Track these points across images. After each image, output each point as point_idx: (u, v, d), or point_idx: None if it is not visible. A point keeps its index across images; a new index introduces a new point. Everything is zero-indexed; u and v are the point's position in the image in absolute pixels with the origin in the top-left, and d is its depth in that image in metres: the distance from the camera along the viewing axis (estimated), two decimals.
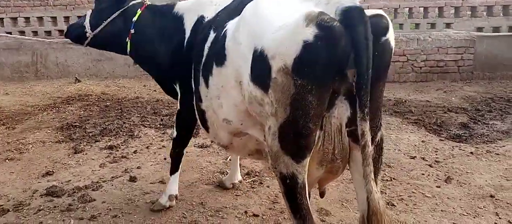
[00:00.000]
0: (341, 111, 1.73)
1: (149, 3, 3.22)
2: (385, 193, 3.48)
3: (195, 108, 2.49)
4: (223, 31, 2.11)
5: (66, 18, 9.52)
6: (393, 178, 3.76)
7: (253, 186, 3.63)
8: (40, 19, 9.57)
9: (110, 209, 3.26)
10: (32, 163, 4.23)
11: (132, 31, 3.07)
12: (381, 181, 3.72)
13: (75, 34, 3.32)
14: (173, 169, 3.29)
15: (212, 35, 2.29)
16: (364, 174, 1.66)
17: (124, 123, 5.56)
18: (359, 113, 1.63)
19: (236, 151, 2.49)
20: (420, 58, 8.16)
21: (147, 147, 4.64)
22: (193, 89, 2.50)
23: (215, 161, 4.23)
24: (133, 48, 3.12)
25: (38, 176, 3.90)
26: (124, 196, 3.48)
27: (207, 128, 2.42)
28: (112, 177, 3.85)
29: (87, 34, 3.20)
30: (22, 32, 9.30)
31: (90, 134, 5.13)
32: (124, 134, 5.10)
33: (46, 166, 4.14)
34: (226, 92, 2.03)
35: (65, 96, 7.29)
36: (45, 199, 3.42)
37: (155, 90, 7.65)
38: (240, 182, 3.63)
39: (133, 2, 3.20)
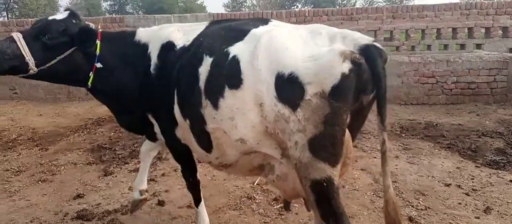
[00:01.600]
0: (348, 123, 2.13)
1: (98, 29, 2.89)
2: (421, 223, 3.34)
3: (192, 131, 2.48)
4: (230, 56, 2.27)
5: None
6: (428, 207, 3.60)
7: (281, 213, 3.57)
8: None
9: None
10: (64, 185, 4.31)
11: (99, 65, 2.79)
12: (412, 207, 3.60)
13: (9, 66, 2.56)
14: (197, 200, 3.21)
15: (208, 59, 2.36)
16: (384, 172, 2.10)
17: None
18: (380, 126, 2.07)
19: (238, 169, 2.57)
20: (450, 79, 7.95)
21: (175, 170, 4.66)
22: (181, 113, 2.50)
23: (243, 186, 4.20)
24: (97, 83, 2.83)
25: (69, 199, 3.97)
26: (152, 221, 3.49)
27: (208, 149, 2.46)
28: None
29: (29, 68, 2.60)
30: None
31: (120, 156, 5.21)
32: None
33: (77, 189, 4.21)
34: (243, 114, 2.20)
35: (96, 117, 7.48)
36: (75, 223, 3.46)
37: None
38: (146, 191, 3.51)
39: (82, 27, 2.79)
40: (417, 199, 3.80)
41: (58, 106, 8.50)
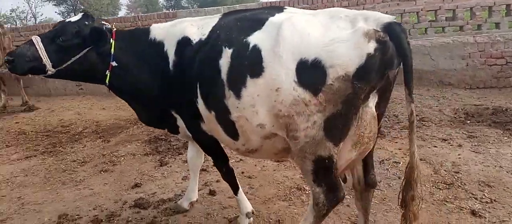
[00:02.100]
0: (373, 102, 2.21)
1: (113, 28, 2.97)
2: (485, 217, 3.08)
3: (218, 122, 2.55)
4: (250, 46, 2.32)
5: None
6: (494, 200, 3.31)
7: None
8: None
9: (190, 223, 3.36)
10: (123, 175, 4.56)
11: (114, 63, 2.86)
12: (476, 200, 3.33)
13: (29, 67, 2.81)
14: (235, 188, 3.24)
15: (228, 51, 2.39)
16: (410, 140, 2.21)
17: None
18: (408, 98, 2.15)
19: (263, 153, 2.63)
20: None
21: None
22: (205, 106, 2.56)
23: (292, 176, 4.15)
24: (115, 81, 2.91)
25: (128, 188, 4.18)
26: (204, 210, 3.57)
27: (235, 137, 2.54)
28: None
29: (47, 70, 2.81)
30: None
31: (174, 147, 5.39)
32: None
33: (135, 178, 4.43)
34: (262, 100, 2.27)
35: None
36: (133, 211, 3.64)
37: None
38: (197, 200, 3.63)
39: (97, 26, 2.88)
40: (481, 191, 3.51)
41: (119, 100, 8.96)
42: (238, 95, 2.33)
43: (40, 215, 3.72)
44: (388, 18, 2.11)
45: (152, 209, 3.66)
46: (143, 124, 6.66)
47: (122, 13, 54.29)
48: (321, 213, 2.34)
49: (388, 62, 2.08)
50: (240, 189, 3.25)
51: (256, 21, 2.41)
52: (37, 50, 2.76)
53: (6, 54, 2.91)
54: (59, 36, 2.79)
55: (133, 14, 21.68)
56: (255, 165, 4.50)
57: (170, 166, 4.72)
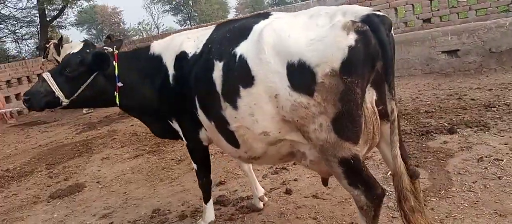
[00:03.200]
0: (370, 96, 2.19)
1: (110, 50, 3.09)
2: None
3: (219, 132, 2.63)
4: (237, 57, 2.36)
5: None
6: None
7: None
8: None
9: (264, 221, 3.44)
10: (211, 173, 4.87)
11: (120, 84, 3.01)
12: None
13: (45, 102, 3.04)
14: (206, 197, 3.41)
15: (219, 64, 2.46)
16: (392, 142, 2.13)
17: None
18: (388, 94, 2.07)
19: (267, 159, 2.64)
20: None
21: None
22: (206, 117, 2.67)
23: (374, 175, 3.92)
24: (123, 100, 3.07)
25: (213, 185, 4.43)
26: (278, 208, 3.62)
27: (236, 146, 2.59)
28: (271, 188, 4.06)
29: (61, 101, 3.02)
30: None
31: None
32: None
33: (220, 176, 4.69)
34: (260, 108, 2.29)
35: None
36: (215, 207, 3.85)
37: None
38: (265, 194, 3.71)
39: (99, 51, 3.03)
40: None
41: None
42: (234, 106, 2.39)
43: (138, 209, 4.21)
44: (366, 10, 2.09)
45: (231, 206, 3.85)
46: None
47: (231, 16, 57.47)
48: (370, 216, 2.26)
49: (375, 53, 2.02)
50: (211, 200, 3.45)
51: (242, 30, 2.45)
52: (49, 85, 2.97)
53: (23, 94, 3.17)
54: (65, 68, 2.98)
55: (241, 15, 22.76)
56: None
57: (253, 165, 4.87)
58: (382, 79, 2.13)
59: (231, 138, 2.57)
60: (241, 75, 2.32)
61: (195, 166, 3.32)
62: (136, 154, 6.34)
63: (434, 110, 5.56)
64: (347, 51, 1.98)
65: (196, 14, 56.20)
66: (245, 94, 2.31)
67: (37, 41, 23.51)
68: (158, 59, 2.99)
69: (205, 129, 2.83)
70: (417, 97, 6.42)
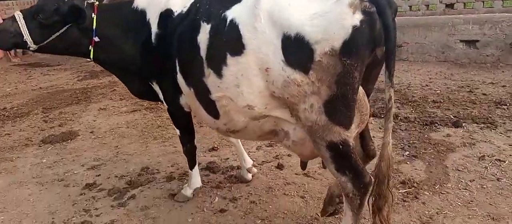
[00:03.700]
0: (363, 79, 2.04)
1: (95, 2, 2.88)
2: None
3: (198, 99, 2.47)
4: (227, 21, 2.16)
5: None
6: None
7: (405, 199, 3.09)
8: None
9: (251, 193, 3.37)
10: (204, 138, 4.76)
11: (97, 39, 2.82)
12: None
13: (12, 43, 2.87)
14: (191, 164, 3.30)
15: (206, 26, 2.27)
16: (385, 129, 2.03)
17: None
18: (387, 81, 1.94)
19: (247, 134, 2.50)
20: None
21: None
22: (185, 82, 2.50)
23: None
24: (99, 54, 2.89)
25: (206, 150, 4.37)
26: (267, 182, 3.53)
27: (216, 116, 2.43)
28: (263, 161, 3.97)
29: (28, 46, 2.85)
30: None
31: None
32: None
33: (214, 142, 4.59)
34: (248, 80, 2.12)
35: None
36: (204, 173, 3.80)
37: None
38: (254, 165, 3.62)
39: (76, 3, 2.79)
40: None
41: None
42: (219, 74, 2.21)
43: (127, 165, 4.16)
44: None
45: (220, 174, 3.78)
46: None
47: None
48: (355, 204, 2.18)
49: (378, 38, 1.89)
50: (196, 166, 3.33)
51: None
52: (19, 27, 2.79)
53: None
54: (39, 13, 2.76)
55: None
56: None
57: None
58: (376, 64, 2.08)
59: (211, 108, 2.41)
60: (229, 41, 2.14)
61: (178, 131, 3.18)
62: (134, 108, 6.25)
63: (442, 101, 5.35)
64: (350, 31, 1.83)
65: None
66: (232, 63, 2.14)
67: None
68: (141, 14, 2.77)
69: (184, 94, 2.68)
70: (427, 85, 6.19)
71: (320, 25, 1.87)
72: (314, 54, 1.90)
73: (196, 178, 3.37)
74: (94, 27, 2.80)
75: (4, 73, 10.28)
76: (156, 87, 2.91)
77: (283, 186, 3.46)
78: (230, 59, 2.15)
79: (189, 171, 3.36)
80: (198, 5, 2.45)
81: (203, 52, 2.28)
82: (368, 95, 2.28)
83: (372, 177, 2.16)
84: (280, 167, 3.79)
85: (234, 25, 2.13)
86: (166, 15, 2.62)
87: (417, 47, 7.60)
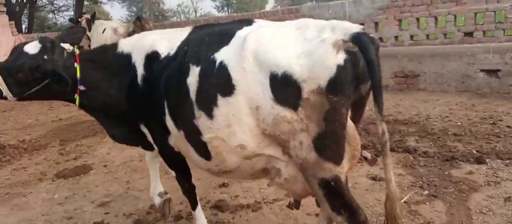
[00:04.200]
0: (350, 115, 2.08)
1: (76, 50, 2.80)
2: None
3: (188, 141, 2.43)
4: (216, 63, 2.20)
5: None
6: None
7: None
8: None
9: None
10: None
11: (82, 88, 2.72)
12: None
13: None
14: (193, 204, 3.19)
15: (195, 69, 2.29)
16: (385, 165, 1.99)
17: None
18: (378, 116, 1.95)
19: (239, 174, 2.50)
20: None
21: None
22: (175, 125, 2.47)
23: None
24: (84, 101, 2.78)
25: (216, 187, 4.28)
26: (277, 223, 3.39)
27: (207, 157, 2.40)
28: (273, 199, 3.84)
29: (5, 96, 2.68)
30: None
31: None
32: None
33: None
34: (239, 120, 2.14)
35: None
36: (212, 212, 3.70)
37: None
38: (166, 193, 3.60)
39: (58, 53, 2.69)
40: None
41: None
42: (210, 116, 2.22)
43: (137, 202, 4.10)
44: (356, 27, 2.01)
45: (229, 213, 3.66)
46: None
47: (269, 6, 57.01)
48: None
49: (361, 75, 1.97)
50: (199, 206, 3.22)
51: (224, 35, 2.30)
52: None
53: None
54: (17, 72, 2.61)
55: (279, 8, 22.40)
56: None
57: None
58: (362, 100, 2.13)
59: (202, 150, 2.38)
60: (220, 83, 2.17)
61: (173, 172, 3.11)
62: None
63: (463, 134, 5.13)
64: (335, 70, 1.90)
65: (235, 1, 56.14)
66: (223, 103, 2.16)
67: (72, 13, 24.09)
68: (126, 58, 2.74)
69: (173, 136, 2.62)
70: (447, 116, 5.97)
71: (306, 64, 1.95)
72: (302, 91, 1.95)
73: (201, 218, 3.26)
74: (78, 76, 2.72)
75: (27, 104, 10.57)
76: (144, 130, 2.85)
77: None
78: (220, 100, 2.17)
79: (193, 212, 3.25)
80: (185, 48, 2.45)
81: (193, 94, 2.29)
82: (357, 126, 2.28)
83: (366, 215, 2.15)
84: (290, 206, 3.63)
85: (223, 67, 2.17)
86: (152, 57, 2.61)
87: (436, 77, 7.40)
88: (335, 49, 1.91)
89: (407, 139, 5.17)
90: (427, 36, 7.95)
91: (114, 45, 2.88)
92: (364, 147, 4.94)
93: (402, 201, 3.55)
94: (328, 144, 2.00)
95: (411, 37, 8.03)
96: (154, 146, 2.86)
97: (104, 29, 10.90)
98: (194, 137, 2.36)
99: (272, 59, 2.02)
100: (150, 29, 10.05)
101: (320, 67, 1.91)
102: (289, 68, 1.97)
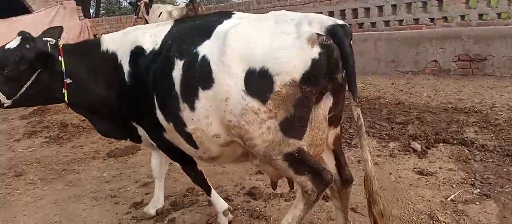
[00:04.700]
0: (326, 103, 2.25)
1: (58, 43, 2.80)
2: None
3: (177, 133, 2.52)
4: (199, 57, 2.29)
5: (330, 13, 9.88)
6: None
7: None
8: None
9: None
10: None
11: (68, 80, 2.73)
12: None
13: None
14: (207, 190, 3.19)
15: (179, 63, 2.36)
16: (361, 146, 2.22)
17: (350, 127, 5.28)
18: (353, 102, 2.16)
19: (226, 159, 2.66)
20: None
21: (359, 161, 4.21)
22: (164, 118, 2.54)
23: (430, 198, 3.34)
24: (71, 97, 2.78)
25: (252, 173, 4.25)
26: (309, 215, 3.28)
27: (195, 147, 2.53)
28: None
29: (3, 103, 2.70)
30: None
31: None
32: (342, 140, 4.83)
33: None
34: (214, 111, 2.27)
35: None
36: (244, 199, 3.69)
37: (401, 90, 6.92)
38: (163, 207, 3.54)
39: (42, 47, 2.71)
40: None
41: None
42: (192, 108, 2.33)
43: (175, 184, 4.21)
44: (331, 20, 2.15)
45: (262, 201, 3.62)
46: None
47: None
48: (311, 200, 2.31)
49: (335, 65, 2.11)
50: (213, 190, 3.19)
51: (205, 29, 2.37)
52: None
53: None
54: (2, 68, 2.62)
55: None
56: (390, 174, 3.85)
57: None
58: (340, 88, 2.24)
59: (190, 140, 2.51)
60: (201, 77, 2.27)
61: (177, 164, 3.11)
62: None
63: None
64: (309, 64, 2.04)
65: None
66: (203, 96, 2.28)
67: None
68: (111, 54, 2.74)
69: (165, 129, 2.65)
70: None
71: (281, 58, 2.06)
72: (274, 84, 2.08)
73: (218, 201, 3.24)
74: (63, 69, 2.73)
75: None
76: (140, 130, 2.87)
77: (326, 221, 3.19)
78: (201, 93, 2.28)
79: (209, 198, 3.25)
80: (169, 42, 2.50)
81: (177, 87, 2.37)
82: (339, 118, 2.45)
83: (332, 175, 2.31)
84: (326, 198, 3.51)
85: (205, 61, 2.26)
86: (137, 53, 2.63)
87: (505, 61, 6.63)
88: (310, 44, 2.03)
89: (465, 130, 4.72)
90: (499, 15, 7.12)
91: (97, 41, 2.89)
92: (414, 137, 4.62)
93: (449, 199, 3.26)
94: (294, 124, 2.15)
95: (480, 16, 7.25)
96: (150, 141, 2.88)
97: (160, 13, 11.29)
98: (181, 128, 2.47)
99: (251, 55, 2.13)
100: (202, 13, 10.22)
101: (295, 61, 2.04)
102: (265, 62, 2.08)
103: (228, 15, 2.44)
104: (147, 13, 11.86)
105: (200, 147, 2.51)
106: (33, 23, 11.37)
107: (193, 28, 2.46)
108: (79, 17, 13.18)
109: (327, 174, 2.25)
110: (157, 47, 2.55)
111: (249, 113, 2.14)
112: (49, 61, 2.65)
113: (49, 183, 4.59)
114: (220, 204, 3.22)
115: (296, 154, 2.20)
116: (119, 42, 2.78)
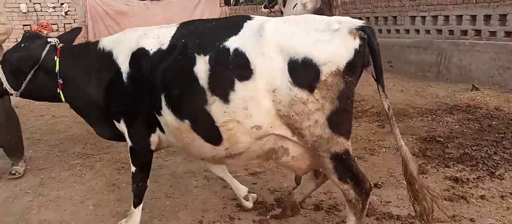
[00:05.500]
0: None
1: (58, 44, 2.97)
2: None
3: (192, 130, 2.53)
4: (231, 50, 2.36)
5: (487, 17, 8.52)
6: None
7: None
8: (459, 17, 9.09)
9: None
10: (373, 168, 4.25)
11: (61, 81, 2.88)
12: None
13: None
14: (137, 202, 3.05)
15: (204, 58, 2.41)
16: (395, 135, 2.40)
17: (495, 153, 4.42)
18: (382, 94, 2.38)
19: (246, 155, 2.59)
20: None
21: (502, 197, 3.46)
22: (177, 116, 2.54)
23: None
24: (67, 97, 2.96)
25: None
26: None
27: (216, 143, 2.52)
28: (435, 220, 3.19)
29: (11, 93, 3.04)
30: (427, 31, 9.18)
31: (446, 156, 4.46)
32: (483, 169, 4.06)
33: (380, 177, 4.04)
34: (256, 102, 2.32)
35: (452, 103, 6.71)
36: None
37: None
38: (249, 192, 3.48)
39: (42, 48, 2.93)
40: None
41: (422, 84, 8.24)
42: (225, 100, 2.35)
43: (284, 180, 4.10)
44: (358, 22, 2.32)
45: (374, 219, 3.23)
46: (430, 118, 5.88)
47: None
48: (358, 208, 2.40)
49: (366, 59, 2.31)
50: (140, 206, 3.09)
51: (229, 27, 2.49)
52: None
53: None
54: (6, 64, 2.99)
55: None
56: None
57: (426, 177, 3.95)
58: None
59: (212, 135, 2.49)
60: (237, 69, 2.32)
61: (133, 168, 3.00)
62: None
63: None
64: (353, 53, 2.21)
65: None
66: (240, 88, 2.32)
67: None
68: (108, 55, 2.79)
69: (163, 131, 2.71)
70: None
71: (327, 49, 2.21)
72: (321, 74, 2.20)
73: (137, 217, 3.09)
74: (57, 69, 2.90)
75: None
76: (122, 126, 2.87)
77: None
78: (238, 84, 2.32)
79: (133, 208, 3.08)
80: (183, 40, 2.54)
81: (203, 81, 2.40)
82: None
83: (371, 184, 2.43)
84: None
85: (240, 53, 2.33)
86: (139, 54, 2.66)
87: None
88: (352, 35, 2.23)
89: None
90: None
91: (95, 43, 2.98)
92: None
93: None
94: (341, 120, 2.26)
95: None
96: (129, 141, 2.89)
97: (295, 4, 11.29)
98: (204, 123, 2.46)
99: (291, 46, 2.25)
100: (336, 7, 9.84)
101: (341, 51, 2.20)
102: (309, 53, 2.21)
103: (248, 17, 2.55)
104: (283, 5, 11.97)
105: (226, 142, 2.49)
106: (180, 6, 12.54)
107: (212, 28, 2.55)
108: (220, 4, 14.08)
109: (367, 183, 2.39)
110: (164, 47, 2.60)
111: (297, 104, 2.23)
112: (28, 61, 2.91)
113: (171, 155, 4.94)
114: (136, 220, 3.10)
115: (343, 156, 2.30)
116: (117, 41, 2.86)
